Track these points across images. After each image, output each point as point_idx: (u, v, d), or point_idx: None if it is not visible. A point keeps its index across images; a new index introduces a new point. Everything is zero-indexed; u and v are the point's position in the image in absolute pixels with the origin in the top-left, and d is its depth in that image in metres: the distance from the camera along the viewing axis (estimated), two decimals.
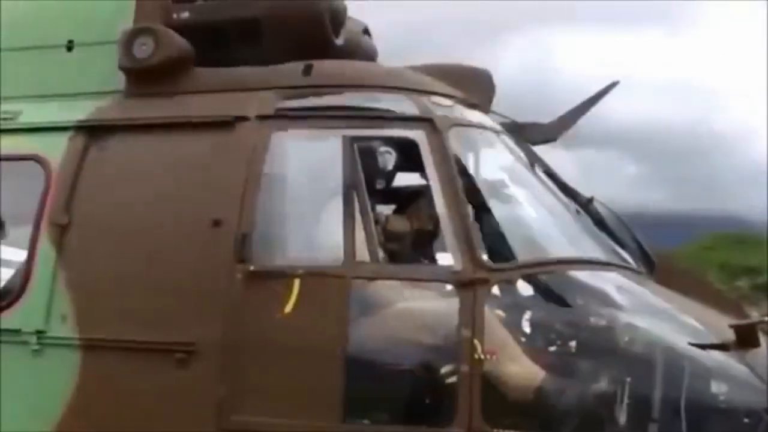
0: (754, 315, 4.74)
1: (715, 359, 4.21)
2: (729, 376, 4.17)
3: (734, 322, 4.26)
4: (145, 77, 4.99)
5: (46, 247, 4.78)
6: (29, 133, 5.06)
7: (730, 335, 4.22)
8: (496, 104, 5.33)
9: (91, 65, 5.16)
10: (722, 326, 4.26)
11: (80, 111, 5.02)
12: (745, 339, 4.20)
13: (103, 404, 4.53)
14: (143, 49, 4.96)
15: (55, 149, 4.95)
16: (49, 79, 5.22)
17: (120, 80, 5.08)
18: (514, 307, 4.42)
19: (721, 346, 4.20)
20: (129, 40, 4.98)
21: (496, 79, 5.39)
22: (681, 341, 4.25)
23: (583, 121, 5.31)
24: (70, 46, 5.24)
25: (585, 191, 5.11)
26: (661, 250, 5.09)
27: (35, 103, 5.18)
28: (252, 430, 4.29)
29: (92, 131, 4.95)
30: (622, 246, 4.80)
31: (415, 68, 5.11)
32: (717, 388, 4.16)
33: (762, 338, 4.25)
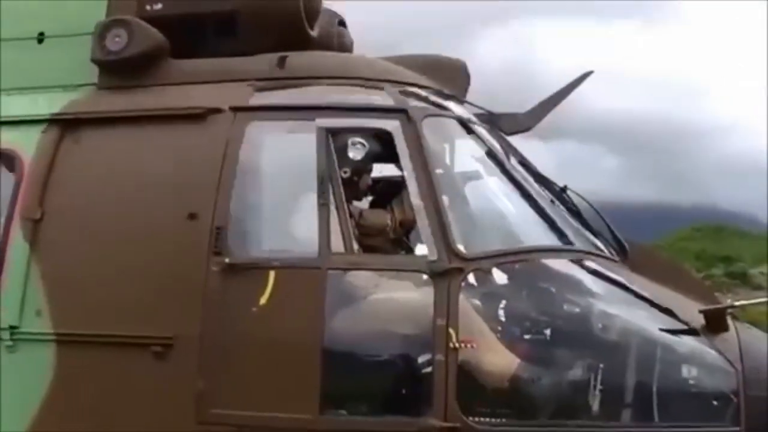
0: (727, 301, 4.80)
1: (685, 344, 4.28)
2: (699, 360, 4.25)
3: (704, 307, 4.33)
4: (118, 70, 4.96)
5: (19, 241, 4.74)
6: (1, 126, 5.01)
7: (700, 320, 4.29)
8: (473, 95, 5.36)
9: (63, 58, 5.12)
10: (693, 312, 4.33)
11: (53, 104, 4.99)
12: (714, 324, 4.28)
13: (80, 399, 4.51)
14: (117, 41, 4.93)
15: (28, 143, 4.91)
16: (20, 71, 5.17)
17: (93, 73, 5.05)
18: (489, 295, 4.45)
19: (691, 332, 4.27)
20: (102, 32, 4.95)
21: (473, 71, 5.42)
22: (652, 327, 4.31)
23: (565, 114, 5.34)
24: (41, 39, 5.19)
25: (565, 183, 5.13)
26: (640, 241, 5.14)
27: (6, 96, 5.13)
28: (231, 423, 4.29)
29: (65, 124, 4.92)
30: (596, 234, 4.85)
31: (390, 59, 5.13)
32: (687, 372, 4.23)
33: (730, 323, 4.33)
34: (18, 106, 5.05)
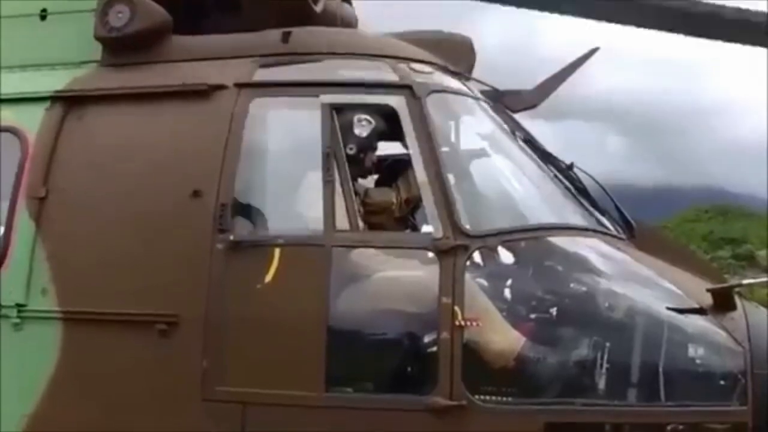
0: (733, 280, 4.77)
1: (692, 323, 4.25)
2: (706, 339, 4.22)
3: (711, 286, 4.30)
4: (122, 46, 4.93)
5: (24, 220, 4.74)
6: (4, 104, 4.99)
7: (707, 299, 4.26)
8: (478, 72, 5.30)
9: (66, 34, 5.08)
10: (700, 291, 4.30)
11: (57, 81, 4.96)
12: (721, 303, 4.24)
13: (86, 377, 4.52)
14: (119, 17, 4.89)
15: (32, 120, 4.88)
16: (23, 48, 5.14)
17: (97, 50, 5.01)
18: (495, 273, 4.44)
19: (699, 310, 4.24)
20: (105, 8, 4.91)
21: (478, 47, 5.36)
22: (659, 306, 4.29)
23: (569, 94, 5.28)
24: (43, 15, 5.16)
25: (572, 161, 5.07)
26: (645, 221, 5.10)
27: (10, 73, 5.10)
28: (236, 400, 4.29)
29: (69, 102, 4.89)
30: (602, 212, 4.81)
31: (394, 35, 5.08)
32: (694, 351, 4.20)
33: (738, 302, 4.29)
34: (21, 83, 5.03)
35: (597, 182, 4.96)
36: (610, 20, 4.90)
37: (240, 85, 4.63)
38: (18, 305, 4.64)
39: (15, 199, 4.79)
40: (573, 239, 4.50)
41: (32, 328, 4.63)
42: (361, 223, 4.41)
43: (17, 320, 4.64)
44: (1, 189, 4.90)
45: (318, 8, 5.11)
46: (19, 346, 4.64)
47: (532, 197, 4.73)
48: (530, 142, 4.95)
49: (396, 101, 4.51)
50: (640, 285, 4.40)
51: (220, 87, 4.64)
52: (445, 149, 4.52)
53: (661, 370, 4.16)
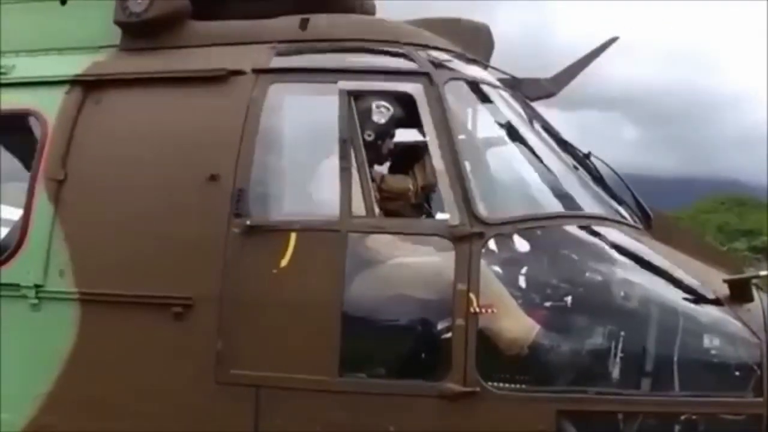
0: (749, 270, 4.74)
1: (708, 314, 4.24)
2: (722, 330, 4.20)
3: (728, 276, 4.28)
4: (140, 31, 4.96)
5: (43, 201, 4.78)
6: (24, 87, 5.03)
7: (724, 290, 4.25)
8: (495, 60, 5.29)
9: (86, 19, 5.12)
10: (717, 281, 4.28)
11: (76, 65, 4.99)
12: (738, 294, 4.22)
13: (102, 358, 4.56)
14: (139, 3, 4.93)
15: (51, 104, 4.92)
16: (43, 33, 5.18)
17: (116, 34, 5.04)
18: (510, 261, 4.44)
19: (715, 301, 4.23)
20: None
21: (495, 35, 5.35)
22: (675, 296, 4.28)
23: (586, 84, 5.25)
24: (63, 0, 5.19)
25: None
26: (661, 210, 5.09)
27: (30, 57, 5.15)
28: (249, 383, 4.33)
29: (88, 86, 4.92)
30: (619, 201, 4.81)
31: (412, 22, 5.07)
32: (710, 342, 4.19)
33: (755, 293, 4.28)
34: (42, 67, 5.06)
35: (614, 171, 4.95)
36: None
37: (258, 71, 4.65)
38: (36, 286, 4.69)
39: (34, 182, 4.84)
40: (589, 228, 4.47)
41: (50, 308, 4.68)
42: (377, 210, 4.42)
43: (35, 301, 4.69)
44: (21, 171, 4.95)
45: None
46: (36, 326, 4.70)
47: (549, 185, 4.71)
48: (548, 130, 4.94)
49: (414, 88, 4.50)
50: (656, 275, 4.38)
51: (239, 72, 4.66)
52: (462, 137, 4.53)
53: (675, 360, 4.15)
